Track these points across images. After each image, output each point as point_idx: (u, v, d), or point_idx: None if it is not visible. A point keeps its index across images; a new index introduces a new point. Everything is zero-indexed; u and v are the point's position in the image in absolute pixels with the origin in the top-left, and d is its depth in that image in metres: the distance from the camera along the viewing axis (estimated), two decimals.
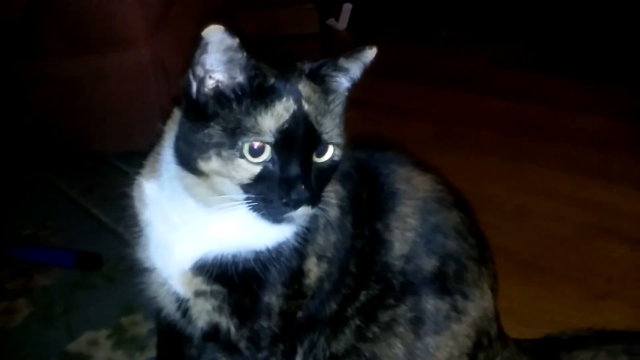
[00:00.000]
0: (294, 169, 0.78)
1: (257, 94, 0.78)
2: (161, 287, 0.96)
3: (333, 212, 0.92)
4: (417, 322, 0.95)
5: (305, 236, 0.89)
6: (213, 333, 0.92)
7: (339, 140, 0.83)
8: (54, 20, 1.80)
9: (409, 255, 0.95)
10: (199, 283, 0.89)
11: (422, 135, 2.13)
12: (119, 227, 1.70)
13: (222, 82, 0.78)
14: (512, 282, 1.43)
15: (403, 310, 0.95)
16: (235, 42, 0.74)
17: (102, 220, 1.74)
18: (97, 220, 1.75)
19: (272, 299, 0.89)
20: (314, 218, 0.89)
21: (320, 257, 0.92)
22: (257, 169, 0.78)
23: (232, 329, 0.90)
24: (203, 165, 0.78)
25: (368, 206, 0.97)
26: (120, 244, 1.63)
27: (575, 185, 1.82)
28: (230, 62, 0.76)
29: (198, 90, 0.79)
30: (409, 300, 0.95)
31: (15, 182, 1.95)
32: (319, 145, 0.81)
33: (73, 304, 1.44)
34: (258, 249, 0.87)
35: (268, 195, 0.78)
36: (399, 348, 0.96)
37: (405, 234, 0.95)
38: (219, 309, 0.90)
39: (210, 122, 0.78)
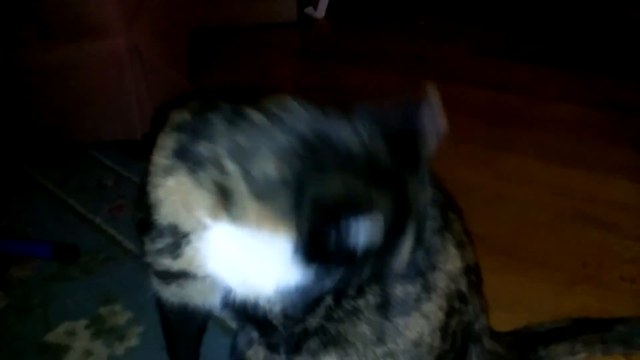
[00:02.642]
0: None
1: None
2: (208, 288, 0.87)
3: None
4: (383, 307, 0.94)
5: None
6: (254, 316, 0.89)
7: None
8: (29, 9, 1.76)
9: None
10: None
11: None
12: (96, 218, 1.69)
13: None
14: (488, 269, 1.43)
15: (366, 300, 0.94)
16: None
17: (79, 211, 1.72)
18: (74, 211, 1.73)
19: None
20: None
21: None
22: None
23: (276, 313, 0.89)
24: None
25: None
26: (98, 234, 1.63)
27: (551, 173, 1.84)
28: None
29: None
30: (373, 289, 0.94)
31: None
32: None
33: (50, 296, 1.43)
34: None
35: None
36: (363, 327, 0.94)
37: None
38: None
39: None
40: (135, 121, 1.92)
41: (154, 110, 1.90)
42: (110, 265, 1.51)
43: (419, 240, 0.80)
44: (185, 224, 0.79)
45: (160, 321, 1.06)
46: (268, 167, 0.72)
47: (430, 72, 2.51)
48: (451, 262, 0.98)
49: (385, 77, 2.53)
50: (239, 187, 0.74)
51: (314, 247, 0.73)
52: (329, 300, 0.94)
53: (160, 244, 0.83)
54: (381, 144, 0.75)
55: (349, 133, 0.74)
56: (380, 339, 0.95)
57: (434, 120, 0.78)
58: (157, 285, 0.90)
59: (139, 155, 1.91)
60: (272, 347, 0.94)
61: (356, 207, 0.71)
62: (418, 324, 0.95)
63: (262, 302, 0.86)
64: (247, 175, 0.73)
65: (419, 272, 0.95)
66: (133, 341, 1.30)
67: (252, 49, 2.88)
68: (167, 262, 0.84)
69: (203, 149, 0.76)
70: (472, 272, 1.04)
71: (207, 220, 0.77)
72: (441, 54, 2.71)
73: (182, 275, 0.84)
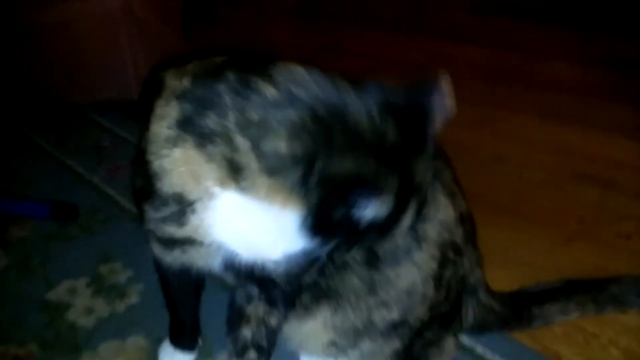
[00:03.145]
0: None
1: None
2: (212, 254, 0.86)
3: None
4: (371, 261, 0.95)
5: None
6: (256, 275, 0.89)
7: None
8: None
9: None
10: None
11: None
12: (94, 178, 1.69)
13: None
14: (486, 226, 1.43)
15: (354, 255, 0.95)
16: None
17: (77, 172, 1.72)
18: (72, 171, 1.73)
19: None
20: None
21: None
22: None
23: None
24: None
25: None
26: (96, 194, 1.63)
27: (549, 132, 1.83)
28: None
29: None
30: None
31: None
32: None
33: (50, 255, 1.43)
34: None
35: None
36: (353, 280, 0.96)
37: None
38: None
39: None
40: (130, 81, 1.91)
41: (149, 70, 1.88)
42: (109, 224, 1.52)
43: (419, 215, 0.81)
44: (191, 194, 0.78)
45: (159, 281, 1.07)
46: (279, 143, 0.71)
47: (430, 30, 2.49)
48: (443, 211, 0.98)
49: (383, 36, 2.50)
50: (250, 162, 0.72)
51: (321, 223, 0.74)
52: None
53: (165, 212, 0.81)
54: (391, 122, 0.74)
55: (360, 109, 0.73)
56: (372, 290, 0.97)
57: (443, 102, 0.77)
58: (158, 250, 0.90)
59: (136, 115, 1.92)
60: (271, 303, 0.95)
61: (365, 186, 0.71)
62: (410, 273, 0.96)
63: (267, 266, 0.86)
64: (258, 151, 0.72)
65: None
66: (134, 299, 1.31)
67: (248, 7, 2.84)
68: (171, 230, 0.83)
69: (211, 122, 0.74)
70: (467, 222, 1.04)
71: (216, 190, 0.76)
72: (441, 12, 2.68)
73: (187, 242, 0.84)
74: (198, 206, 0.78)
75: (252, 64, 0.78)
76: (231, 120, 0.73)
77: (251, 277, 0.90)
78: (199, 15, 2.62)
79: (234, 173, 0.74)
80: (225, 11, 2.80)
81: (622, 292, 1.21)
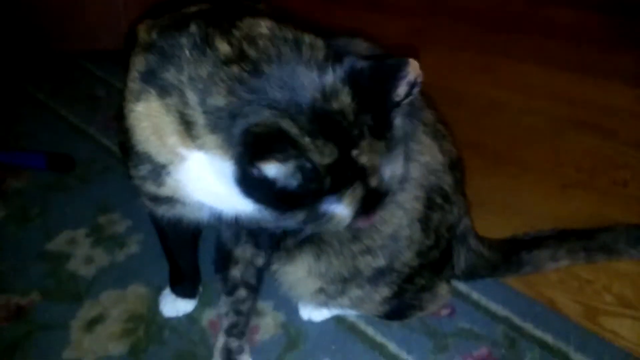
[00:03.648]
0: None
1: (328, 191, 0.75)
2: (197, 209, 0.90)
3: None
4: None
5: None
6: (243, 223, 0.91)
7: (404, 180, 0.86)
8: None
9: None
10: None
11: (398, 32, 2.08)
12: (90, 128, 1.68)
13: (292, 186, 0.73)
14: (482, 175, 1.46)
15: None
16: (294, 164, 0.70)
17: (73, 122, 1.70)
18: (68, 122, 1.71)
19: None
20: None
21: None
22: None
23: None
24: (290, 218, 0.78)
25: None
26: (93, 145, 1.62)
27: (548, 79, 1.81)
28: (296, 173, 0.73)
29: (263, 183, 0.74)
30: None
31: None
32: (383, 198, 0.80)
33: (48, 206, 1.44)
34: None
35: None
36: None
37: None
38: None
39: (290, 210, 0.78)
40: (123, 29, 1.87)
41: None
42: (106, 175, 1.51)
43: (367, 210, 0.78)
44: (159, 155, 0.80)
45: (156, 231, 1.08)
46: (219, 98, 0.71)
47: None
48: (429, 154, 0.97)
49: None
50: (198, 118, 0.73)
51: (244, 179, 0.73)
52: None
53: (142, 170, 0.84)
54: (348, 100, 0.72)
55: (313, 79, 0.71)
56: (356, 236, 0.97)
57: (411, 84, 0.74)
58: (148, 204, 0.92)
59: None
60: (258, 245, 0.98)
61: (282, 143, 0.69)
62: (394, 216, 0.96)
63: (248, 217, 0.87)
64: (204, 107, 0.72)
65: None
66: (133, 248, 1.32)
67: None
68: (152, 189, 0.85)
69: (170, 75, 0.74)
70: (457, 169, 1.04)
71: (181, 150, 0.77)
72: None
73: (169, 200, 0.87)
74: (171, 169, 0.81)
75: (221, 16, 0.77)
76: (185, 74, 0.74)
77: (239, 225, 0.92)
78: None
79: (188, 129, 0.75)
80: None
81: (613, 241, 1.22)
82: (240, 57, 0.72)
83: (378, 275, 1.01)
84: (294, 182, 0.71)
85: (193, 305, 1.19)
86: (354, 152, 0.72)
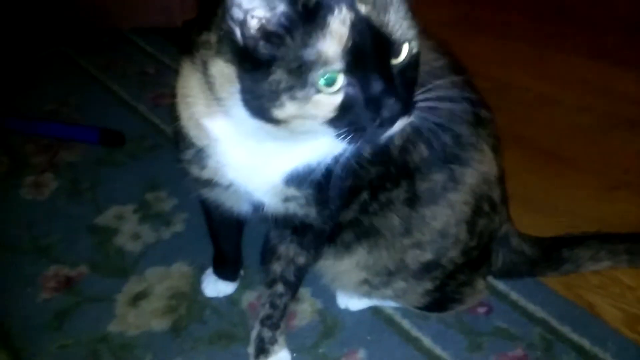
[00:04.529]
0: (376, 85, 0.69)
1: (306, 17, 0.66)
2: (237, 197, 0.95)
3: None
4: (412, 201, 0.98)
5: None
6: (288, 220, 0.95)
7: (411, 32, 0.72)
8: None
9: (404, 146, 0.94)
10: (290, 191, 0.89)
11: (444, 19, 2.05)
12: (140, 105, 1.71)
13: (265, 18, 0.67)
14: (529, 170, 1.45)
15: (398, 193, 0.97)
16: None
17: (123, 98, 1.74)
18: (118, 97, 1.75)
19: (349, 181, 0.91)
20: None
21: None
22: (338, 99, 0.69)
23: (313, 215, 0.93)
24: (279, 113, 0.70)
25: None
26: (142, 121, 1.66)
27: (601, 74, 1.77)
28: None
29: (243, 35, 0.68)
30: (404, 184, 0.97)
31: (32, 58, 1.93)
32: (393, 48, 0.70)
33: (98, 180, 1.48)
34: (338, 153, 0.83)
35: (359, 122, 0.71)
36: (395, 219, 0.99)
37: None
38: (305, 204, 0.91)
39: (271, 68, 0.68)
40: (175, 7, 1.90)
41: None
42: (155, 152, 1.55)
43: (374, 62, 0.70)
44: (198, 139, 0.87)
45: (204, 214, 1.12)
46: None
47: None
48: (487, 164, 0.99)
49: None
50: (212, 54, 0.75)
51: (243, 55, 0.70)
52: (364, 195, 0.97)
53: (188, 155, 0.91)
54: None
55: None
56: (408, 230, 1.00)
57: None
58: (194, 187, 0.98)
59: (180, 42, 1.91)
60: (302, 245, 1.00)
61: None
62: (444, 214, 0.99)
63: (291, 208, 0.91)
64: (217, 38, 0.74)
65: (446, 159, 0.96)
66: (178, 226, 1.36)
67: None
68: (196, 172, 0.92)
69: (204, 36, 0.78)
70: (503, 182, 1.06)
71: (206, 121, 0.83)
72: None
73: (211, 184, 0.93)
74: (210, 152, 0.87)
75: None
76: (215, 29, 0.75)
77: (280, 222, 0.96)
78: None
79: (204, 71, 0.78)
80: None
81: None
82: None
83: (424, 270, 1.03)
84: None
85: (234, 288, 1.23)
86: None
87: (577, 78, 1.77)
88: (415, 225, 0.99)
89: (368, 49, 0.68)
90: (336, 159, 0.83)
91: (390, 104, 0.69)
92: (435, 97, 0.82)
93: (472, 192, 0.99)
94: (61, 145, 1.58)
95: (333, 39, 0.66)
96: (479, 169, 0.98)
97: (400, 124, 0.72)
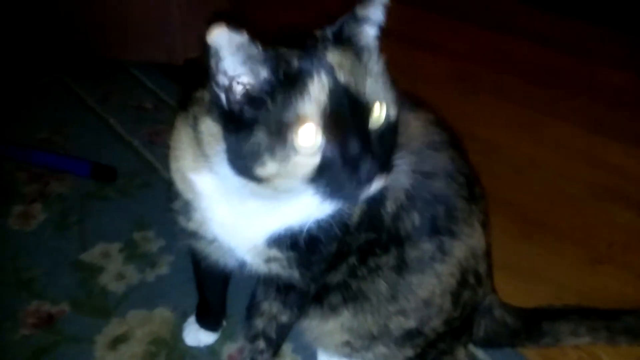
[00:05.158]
0: (353, 147, 0.72)
1: (287, 83, 0.71)
2: (221, 252, 0.97)
3: None
4: (400, 268, 0.99)
5: None
6: (269, 279, 0.96)
7: (388, 97, 0.77)
8: None
9: (397, 213, 0.96)
10: (273, 252, 0.90)
11: (441, 74, 2.10)
12: (134, 140, 1.72)
13: (249, 84, 0.72)
14: (512, 236, 1.47)
15: (387, 259, 0.99)
16: (244, 37, 0.68)
17: (118, 131, 1.75)
18: (113, 130, 1.76)
19: (333, 247, 0.92)
20: None
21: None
22: (316, 160, 0.72)
23: (295, 276, 0.94)
24: (261, 172, 0.73)
25: None
26: (135, 158, 1.66)
27: (590, 143, 1.81)
28: (248, 60, 0.70)
29: (228, 100, 0.73)
30: (393, 250, 0.98)
31: (30, 83, 1.94)
32: (369, 113, 0.75)
33: (87, 214, 1.48)
34: (320, 218, 0.86)
35: (338, 182, 0.74)
36: (382, 285, 1.01)
37: (396, 193, 0.95)
38: (287, 266, 0.92)
39: (253, 129, 0.72)
40: (177, 45, 1.93)
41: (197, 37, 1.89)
42: (146, 190, 1.55)
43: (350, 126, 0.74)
44: (185, 192, 0.90)
45: (192, 262, 1.12)
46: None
47: (479, 19, 2.43)
48: (476, 239, 1.02)
49: (429, 18, 2.45)
50: (203, 111, 0.79)
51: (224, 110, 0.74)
52: (352, 259, 0.99)
53: (176, 205, 0.94)
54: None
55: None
56: (394, 297, 1.01)
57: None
58: (182, 236, 0.99)
59: (180, 80, 1.93)
60: (285, 304, 1.00)
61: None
62: (430, 283, 1.00)
63: (273, 268, 0.93)
64: (210, 97, 0.77)
65: (437, 231, 0.98)
66: (164, 269, 1.36)
67: None
68: (183, 222, 0.95)
69: (198, 94, 0.83)
70: (490, 256, 1.08)
71: (192, 175, 0.87)
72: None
73: (196, 235, 0.95)
74: (195, 204, 0.90)
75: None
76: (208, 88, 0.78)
77: (265, 280, 0.98)
78: None
79: (194, 129, 0.82)
80: None
81: (638, 325, 1.21)
82: None
83: (406, 337, 1.04)
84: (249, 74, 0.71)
85: (215, 338, 1.22)
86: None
87: (567, 145, 1.80)
88: (402, 293, 1.00)
89: (345, 114, 0.72)
90: (318, 223, 0.86)
91: (367, 165, 0.73)
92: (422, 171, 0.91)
93: (459, 264, 1.00)
94: (52, 176, 1.58)
95: (311, 103, 0.71)
96: (468, 243, 1.00)
97: (377, 185, 0.75)
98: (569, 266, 1.43)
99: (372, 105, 0.75)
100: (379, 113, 0.76)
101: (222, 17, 0.83)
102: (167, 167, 0.95)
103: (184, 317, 1.25)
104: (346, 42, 0.77)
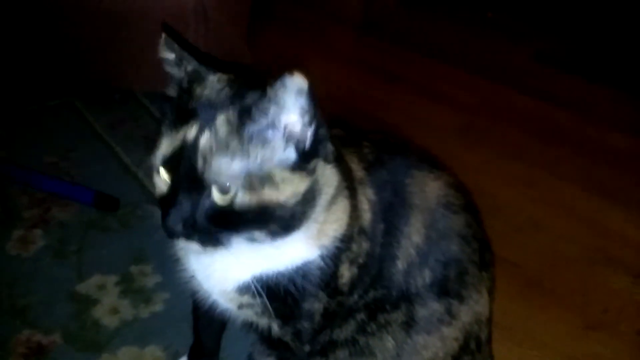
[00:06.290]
0: (172, 199, 0.77)
1: (179, 112, 0.79)
2: (202, 291, 0.99)
3: (367, 218, 0.94)
4: (408, 325, 0.99)
5: (340, 246, 0.89)
6: (253, 328, 0.97)
7: (236, 184, 0.76)
8: None
9: (408, 270, 0.97)
10: (244, 299, 0.91)
11: (449, 125, 2.12)
12: (139, 171, 1.73)
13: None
14: (509, 296, 1.46)
15: (397, 316, 0.99)
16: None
17: (124, 161, 1.76)
18: (119, 159, 1.77)
19: (314, 304, 0.91)
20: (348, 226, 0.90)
21: (352, 262, 0.93)
22: (160, 183, 0.81)
23: (275, 328, 0.94)
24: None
25: (393, 216, 0.98)
26: (139, 189, 1.67)
27: (591, 206, 1.82)
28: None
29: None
30: (403, 307, 0.99)
31: (40, 106, 1.96)
32: (203, 183, 0.76)
33: (86, 244, 1.49)
34: (292, 266, 0.87)
35: (163, 211, 0.79)
36: (390, 342, 1.00)
37: (409, 250, 0.96)
38: (262, 314, 0.92)
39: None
40: None
41: None
42: (147, 223, 1.55)
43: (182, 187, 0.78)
44: None
45: (192, 300, 1.12)
46: None
47: (490, 73, 2.46)
48: (482, 305, 1.02)
49: (441, 69, 2.49)
50: None
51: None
52: (361, 315, 0.99)
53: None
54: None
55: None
56: (399, 355, 1.01)
57: None
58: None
59: None
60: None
61: None
62: (435, 346, 1.00)
63: (248, 315, 0.94)
64: None
65: (446, 292, 0.98)
66: (158, 306, 1.36)
67: (312, 10, 2.83)
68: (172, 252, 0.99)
69: None
70: (491, 322, 1.08)
71: None
72: (504, 54, 2.63)
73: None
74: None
75: None
76: None
77: (254, 333, 0.98)
78: (262, 14, 2.61)
79: None
80: (289, 11, 2.81)
81: None
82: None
83: None
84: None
85: None
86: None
87: (568, 205, 1.81)
88: (407, 352, 1.00)
89: (181, 170, 0.76)
90: (292, 272, 0.88)
91: (169, 222, 0.76)
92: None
93: (463, 329, 1.00)
94: (55, 202, 1.59)
95: (168, 140, 0.78)
96: (474, 309, 1.00)
97: (189, 244, 0.79)
98: (563, 330, 1.43)
99: (208, 184, 0.75)
100: (216, 194, 0.76)
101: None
102: None
103: (175, 358, 1.25)
104: (245, 113, 0.76)
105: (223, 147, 0.75)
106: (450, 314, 0.99)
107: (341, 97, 2.14)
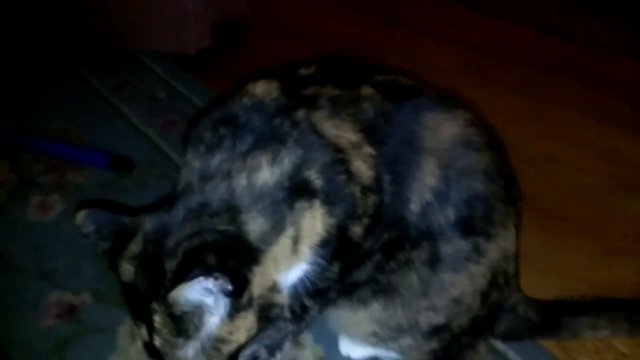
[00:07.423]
0: None
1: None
2: None
3: (367, 175, 0.92)
4: (433, 262, 0.99)
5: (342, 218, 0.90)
6: None
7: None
8: None
9: (424, 211, 0.96)
10: None
11: (454, 64, 2.10)
12: (149, 130, 1.72)
13: None
14: (528, 229, 1.45)
15: (419, 253, 0.99)
16: None
17: (133, 122, 1.75)
18: (127, 120, 1.76)
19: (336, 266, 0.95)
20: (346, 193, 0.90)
21: (360, 218, 0.93)
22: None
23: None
24: None
25: (400, 165, 0.96)
26: (151, 148, 1.67)
27: (604, 135, 1.81)
28: None
29: None
30: (425, 245, 0.98)
31: (42, 72, 1.94)
32: None
33: None
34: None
35: None
36: (414, 279, 1.00)
37: (422, 193, 0.95)
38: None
39: None
40: (190, 35, 1.92)
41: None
42: (163, 181, 1.55)
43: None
44: None
45: None
46: None
47: (495, 9, 2.42)
48: (510, 241, 1.02)
49: (442, 8, 2.44)
50: None
51: None
52: (377, 257, 0.99)
53: None
54: None
55: None
56: (426, 293, 1.01)
57: None
58: None
59: (193, 70, 1.93)
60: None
61: None
62: (463, 284, 1.01)
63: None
64: None
65: (472, 230, 0.98)
66: None
67: None
68: None
69: None
70: (518, 256, 1.09)
71: None
72: None
73: None
74: None
75: None
76: None
77: None
78: None
79: None
80: None
81: None
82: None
83: (433, 331, 1.05)
84: None
85: None
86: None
87: (580, 137, 1.80)
88: (434, 289, 1.00)
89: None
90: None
91: None
92: None
93: (491, 266, 1.01)
94: (69, 166, 1.59)
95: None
96: (502, 245, 1.01)
97: None
98: (584, 258, 1.43)
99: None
100: None
101: None
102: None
103: None
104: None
105: (173, 342, 0.81)
106: (478, 252, 0.99)
107: (339, 44, 2.11)
